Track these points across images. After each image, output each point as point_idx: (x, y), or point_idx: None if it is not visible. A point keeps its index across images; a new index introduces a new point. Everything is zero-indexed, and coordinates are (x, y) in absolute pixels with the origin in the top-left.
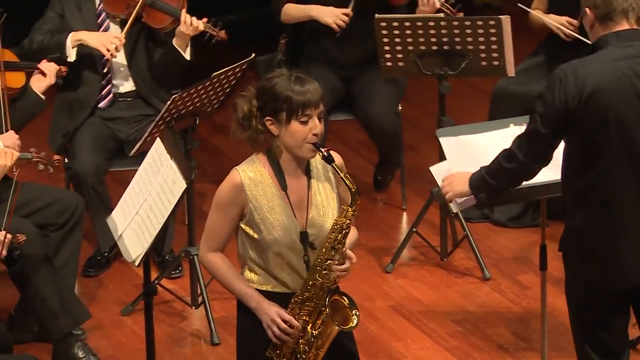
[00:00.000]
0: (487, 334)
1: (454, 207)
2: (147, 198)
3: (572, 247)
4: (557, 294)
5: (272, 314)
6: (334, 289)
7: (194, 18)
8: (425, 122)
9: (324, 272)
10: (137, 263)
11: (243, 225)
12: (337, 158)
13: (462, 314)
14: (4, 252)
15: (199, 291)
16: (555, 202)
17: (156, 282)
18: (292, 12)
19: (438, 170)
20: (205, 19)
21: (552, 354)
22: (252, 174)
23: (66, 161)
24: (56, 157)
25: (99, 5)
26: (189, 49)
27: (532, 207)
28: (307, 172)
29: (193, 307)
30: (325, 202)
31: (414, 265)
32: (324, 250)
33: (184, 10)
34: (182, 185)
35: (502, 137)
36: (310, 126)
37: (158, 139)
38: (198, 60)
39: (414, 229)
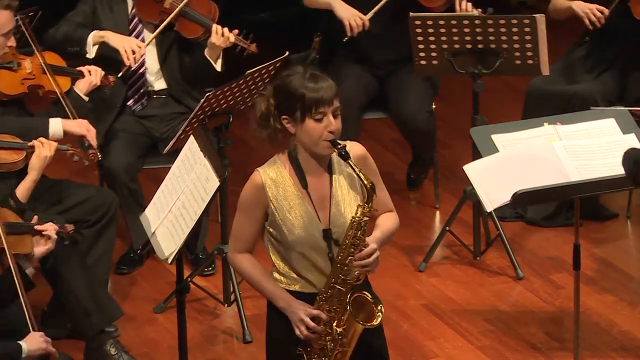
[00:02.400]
0: (519, 333)
1: (487, 206)
2: (180, 196)
3: None
4: (591, 294)
5: (300, 312)
6: (359, 285)
7: (225, 29)
8: (459, 121)
9: (345, 269)
10: (170, 260)
11: (268, 227)
12: (358, 149)
13: (495, 313)
14: (51, 246)
15: (232, 289)
16: (588, 201)
17: (189, 279)
18: None
19: (472, 169)
20: (236, 31)
21: (585, 354)
22: (273, 174)
23: (100, 158)
24: (91, 150)
25: (132, 9)
26: (220, 60)
27: (565, 207)
28: (329, 168)
29: (225, 305)
30: (347, 198)
31: (446, 264)
32: (343, 247)
33: (215, 22)
34: (215, 183)
35: (534, 136)
36: (325, 123)
37: (191, 136)
38: (232, 59)
39: (447, 228)
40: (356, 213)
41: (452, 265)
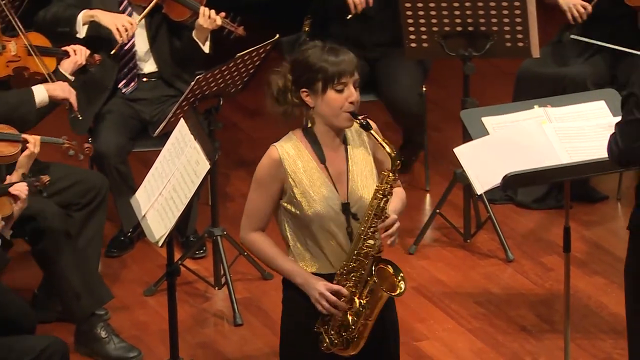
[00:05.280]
0: (510, 315)
1: (477, 189)
2: (170, 179)
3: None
4: (581, 276)
5: (320, 287)
6: (378, 257)
7: (212, 11)
8: (449, 104)
9: (369, 240)
10: (160, 244)
11: (284, 204)
12: (373, 125)
13: (485, 296)
14: (24, 204)
15: (222, 272)
16: (579, 184)
17: (179, 262)
18: None
19: (462, 152)
20: (223, 14)
21: (575, 336)
22: (290, 149)
23: (90, 141)
24: (87, 145)
25: None
26: (208, 42)
27: (555, 189)
28: (344, 143)
29: (216, 288)
30: (363, 171)
31: (437, 247)
32: (366, 218)
33: (203, 4)
34: (205, 166)
35: (525, 118)
36: (346, 94)
37: (182, 119)
38: (222, 42)
39: (437, 211)
40: (381, 182)
41: (442, 247)
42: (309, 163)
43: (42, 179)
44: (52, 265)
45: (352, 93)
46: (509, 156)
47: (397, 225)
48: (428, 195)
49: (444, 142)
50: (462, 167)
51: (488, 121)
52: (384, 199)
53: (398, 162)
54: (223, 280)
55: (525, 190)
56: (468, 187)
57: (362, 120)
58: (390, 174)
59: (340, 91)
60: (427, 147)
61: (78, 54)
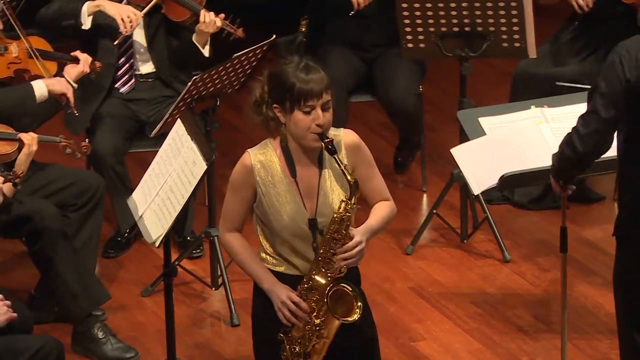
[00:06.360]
0: (506, 316)
1: (474, 189)
2: (167, 179)
3: (623, 228)
4: (578, 276)
5: (283, 296)
6: (342, 277)
7: (211, 14)
8: (446, 104)
9: (327, 262)
10: (157, 244)
11: (256, 209)
12: (352, 137)
13: (482, 296)
14: (1, 198)
15: (219, 272)
16: (575, 184)
17: (176, 263)
18: None
19: (459, 152)
20: (222, 15)
21: (572, 336)
22: (262, 158)
23: (87, 140)
24: (84, 143)
25: None
26: (207, 46)
27: (552, 189)
28: (320, 158)
29: (213, 289)
30: (335, 189)
31: (434, 247)
32: (325, 241)
33: (203, 7)
34: (202, 166)
35: (521, 119)
36: (313, 116)
37: (179, 120)
38: (219, 43)
39: (434, 211)
40: (339, 208)
41: (439, 248)
42: (279, 175)
43: (15, 171)
44: (49, 266)
45: (318, 116)
46: (505, 156)
47: (359, 247)
48: (425, 196)
49: (441, 142)
50: (458, 167)
51: (485, 121)
52: (343, 225)
53: (357, 190)
54: (220, 280)
55: (522, 191)
56: (465, 187)
57: (327, 144)
58: (349, 202)
59: (307, 113)
60: (424, 147)
61: (82, 63)
